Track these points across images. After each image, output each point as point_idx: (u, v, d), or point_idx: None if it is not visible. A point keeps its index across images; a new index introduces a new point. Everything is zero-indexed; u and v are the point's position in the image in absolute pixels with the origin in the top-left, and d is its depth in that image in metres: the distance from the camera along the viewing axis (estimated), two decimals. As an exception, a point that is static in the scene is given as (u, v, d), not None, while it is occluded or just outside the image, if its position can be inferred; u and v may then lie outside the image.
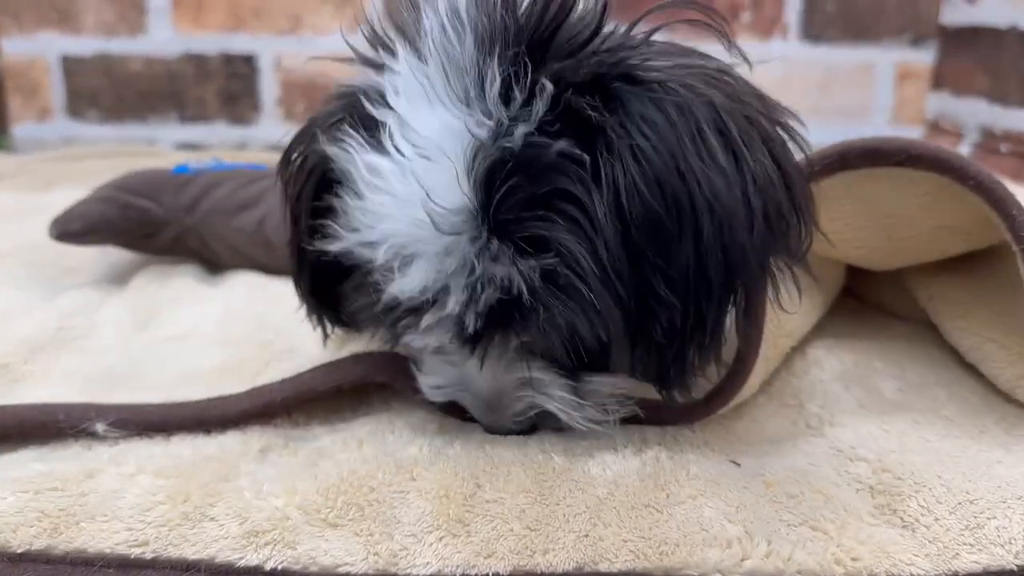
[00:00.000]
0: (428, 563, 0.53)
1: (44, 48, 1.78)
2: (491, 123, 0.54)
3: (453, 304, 0.55)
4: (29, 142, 1.81)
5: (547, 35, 0.56)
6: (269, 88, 1.79)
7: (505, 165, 0.53)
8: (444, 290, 0.55)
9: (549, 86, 0.54)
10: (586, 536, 0.54)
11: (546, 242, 0.54)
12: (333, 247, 0.59)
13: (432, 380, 0.65)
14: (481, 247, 0.54)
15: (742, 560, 0.53)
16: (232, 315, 0.85)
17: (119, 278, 0.99)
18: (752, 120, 0.58)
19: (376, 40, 0.63)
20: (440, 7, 0.58)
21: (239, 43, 1.78)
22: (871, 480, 0.61)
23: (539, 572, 0.53)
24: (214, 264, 1.01)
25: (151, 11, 1.76)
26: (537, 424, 0.65)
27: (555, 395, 0.62)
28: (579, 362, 0.61)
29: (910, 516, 0.57)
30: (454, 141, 0.54)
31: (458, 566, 0.52)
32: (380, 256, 0.56)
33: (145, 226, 0.97)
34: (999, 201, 0.67)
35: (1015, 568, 0.54)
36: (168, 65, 1.78)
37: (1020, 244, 0.66)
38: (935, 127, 1.85)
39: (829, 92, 1.83)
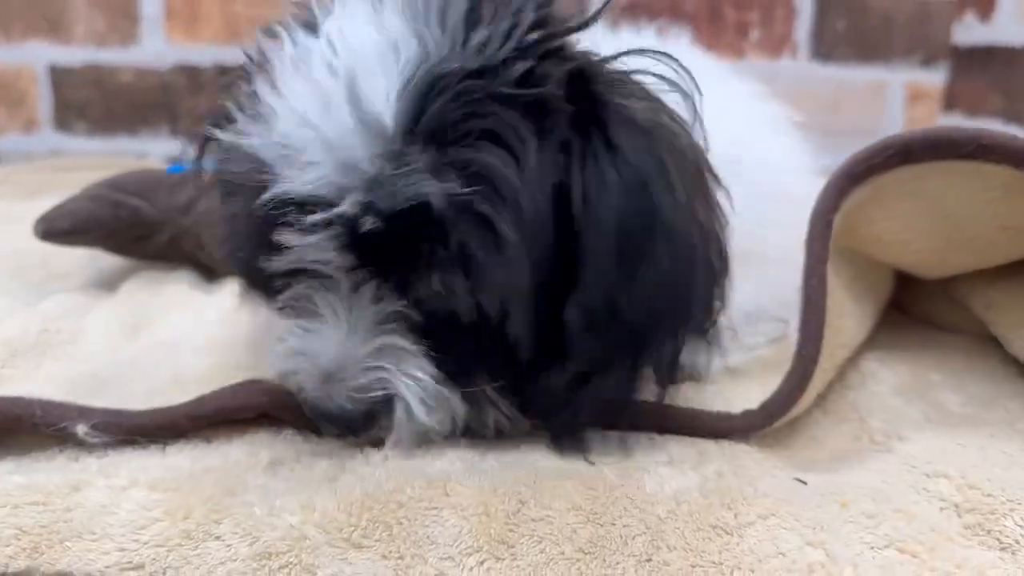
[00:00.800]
0: (470, 590, 0.46)
1: (32, 57, 1.71)
2: (445, 40, 0.52)
3: (350, 204, 0.50)
4: (14, 155, 1.74)
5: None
6: (265, 101, 1.73)
7: (452, 83, 0.51)
8: (343, 190, 0.50)
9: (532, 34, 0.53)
10: (648, 561, 0.48)
11: (473, 172, 0.50)
12: (229, 139, 0.55)
13: (280, 348, 0.58)
14: (398, 154, 0.50)
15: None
16: (226, 321, 0.78)
17: (109, 283, 0.92)
18: (699, 172, 0.59)
19: None
20: None
21: (234, 54, 1.71)
22: (956, 498, 0.54)
23: (597, 602, 0.46)
24: (209, 270, 0.94)
25: (144, 21, 1.70)
26: (373, 415, 0.56)
27: (413, 376, 0.55)
28: (461, 360, 0.56)
29: (1008, 537, 0.51)
30: (393, 50, 0.52)
31: (503, 593, 0.46)
32: (282, 149, 0.52)
33: (137, 227, 0.90)
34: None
35: None
36: (160, 76, 1.72)
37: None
38: (948, 148, 1.81)
39: (839, 112, 1.78)
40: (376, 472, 0.54)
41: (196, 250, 0.92)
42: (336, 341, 0.55)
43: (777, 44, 1.77)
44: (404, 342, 0.55)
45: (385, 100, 0.50)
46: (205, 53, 1.71)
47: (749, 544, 0.49)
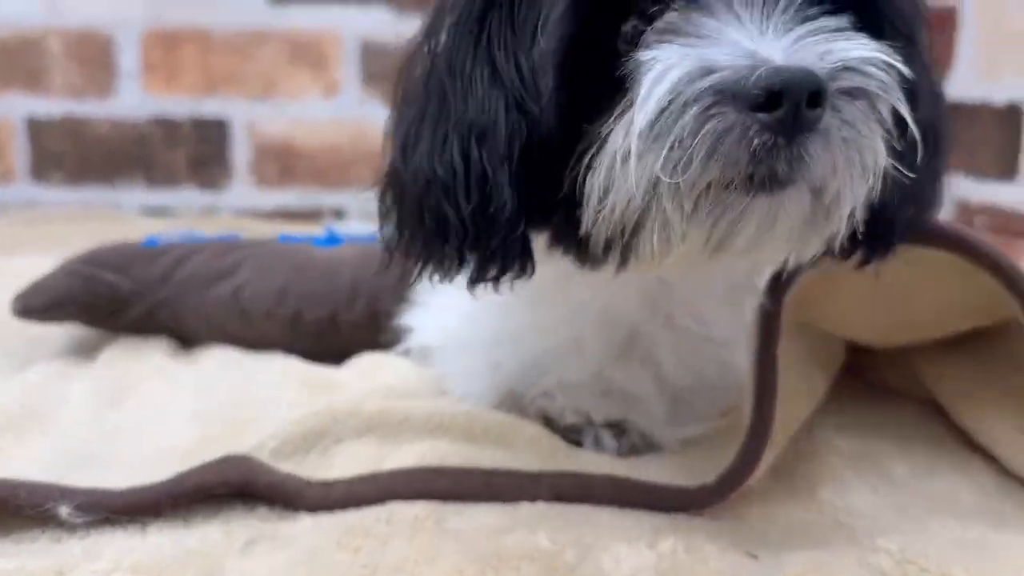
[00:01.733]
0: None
1: (9, 109, 1.73)
2: None
3: None
4: (-10, 205, 1.75)
5: None
6: (241, 153, 1.76)
7: None
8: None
9: None
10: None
11: None
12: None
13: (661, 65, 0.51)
14: None
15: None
16: (206, 392, 0.81)
17: (88, 350, 0.94)
18: None
19: None
20: None
21: (211, 107, 1.75)
22: (895, 572, 0.58)
23: None
24: (185, 340, 0.96)
25: (121, 74, 1.73)
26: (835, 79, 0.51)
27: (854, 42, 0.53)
28: None
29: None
30: None
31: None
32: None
33: (113, 302, 0.92)
34: (1013, 281, 0.66)
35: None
36: (137, 128, 1.74)
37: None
38: (907, 200, 1.86)
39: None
40: (344, 560, 0.56)
41: (171, 321, 0.95)
42: (750, 33, 0.51)
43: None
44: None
45: None
46: (181, 105, 1.74)
47: (701, 623, 0.52)
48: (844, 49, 0.51)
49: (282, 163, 1.77)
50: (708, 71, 0.49)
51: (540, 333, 0.74)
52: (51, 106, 1.74)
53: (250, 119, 1.75)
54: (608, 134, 0.53)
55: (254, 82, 1.74)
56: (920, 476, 0.72)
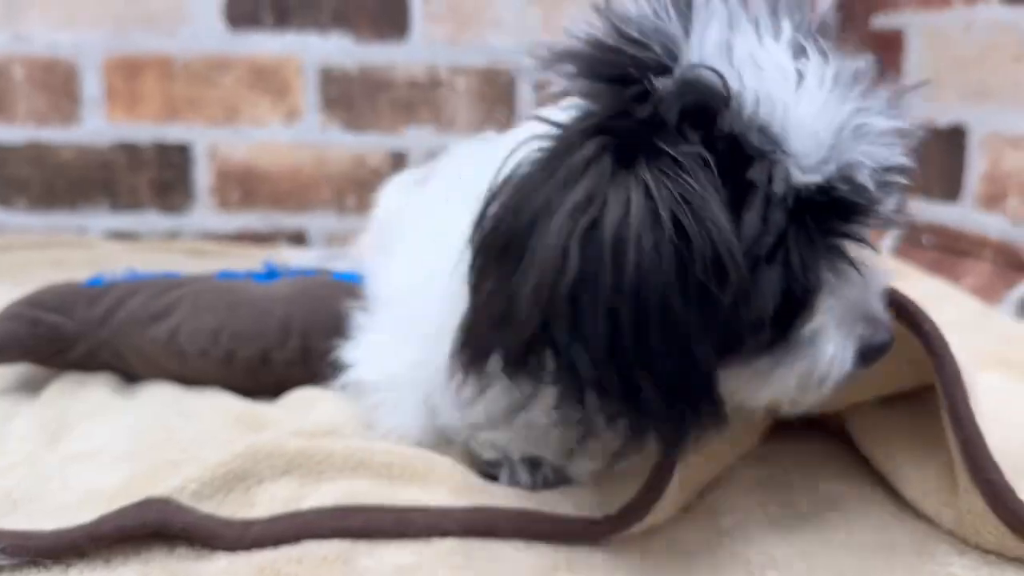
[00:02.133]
0: None
1: (-27, 136, 1.75)
2: None
3: None
4: (-45, 230, 1.77)
5: None
6: (203, 177, 1.79)
7: None
8: None
9: None
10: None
11: None
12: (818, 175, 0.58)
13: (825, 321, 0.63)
14: None
15: None
16: (140, 431, 0.83)
17: (32, 385, 0.97)
18: None
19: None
20: None
21: (174, 133, 1.77)
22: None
23: None
24: (129, 376, 0.99)
25: (85, 101, 1.75)
26: None
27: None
28: None
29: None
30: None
31: None
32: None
33: (56, 342, 0.95)
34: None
35: None
36: (101, 154, 1.77)
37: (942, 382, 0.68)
38: (860, 219, 1.90)
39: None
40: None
41: (114, 360, 0.97)
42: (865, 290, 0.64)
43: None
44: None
45: None
46: (144, 131, 1.77)
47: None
48: None
49: (244, 187, 1.80)
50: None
51: None
52: (15, 133, 1.76)
53: (212, 144, 1.78)
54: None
55: (215, 108, 1.77)
56: (820, 508, 0.75)
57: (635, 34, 0.61)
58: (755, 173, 0.57)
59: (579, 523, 0.69)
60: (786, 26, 0.61)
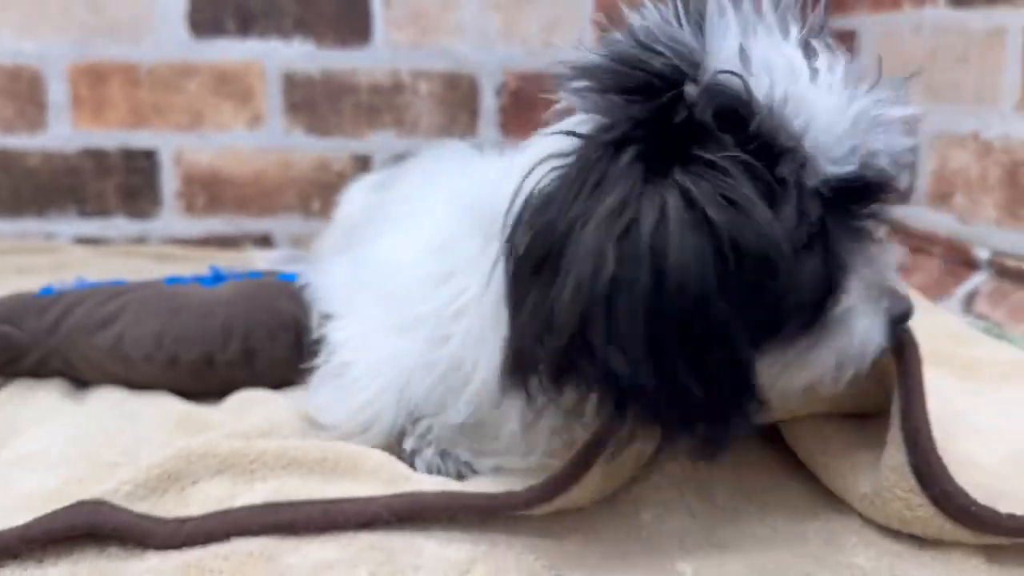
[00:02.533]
0: None
1: (-60, 144, 1.77)
2: None
3: None
4: (-77, 237, 1.79)
5: None
6: (169, 183, 1.81)
7: None
8: None
9: None
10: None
11: None
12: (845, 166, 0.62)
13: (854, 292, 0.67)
14: None
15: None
16: (84, 435, 0.85)
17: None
18: None
19: None
20: None
21: (140, 139, 1.79)
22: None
23: None
24: (79, 382, 1.01)
25: (51, 108, 1.77)
26: None
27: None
28: None
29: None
30: None
31: None
32: None
33: (7, 352, 0.98)
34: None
35: None
36: (68, 161, 1.79)
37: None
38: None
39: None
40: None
41: (64, 367, 1.00)
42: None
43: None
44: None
45: None
46: (111, 137, 1.79)
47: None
48: None
49: (209, 192, 1.82)
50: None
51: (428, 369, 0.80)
52: (-18, 140, 1.78)
53: (178, 150, 1.80)
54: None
55: (181, 114, 1.79)
56: (739, 501, 0.77)
57: (655, 45, 0.64)
58: (785, 169, 0.60)
59: (503, 497, 0.71)
60: (793, 27, 0.66)
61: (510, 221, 0.64)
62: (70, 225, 1.81)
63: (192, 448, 0.76)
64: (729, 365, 0.60)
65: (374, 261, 0.88)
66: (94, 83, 1.77)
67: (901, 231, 1.64)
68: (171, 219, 1.82)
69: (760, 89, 0.61)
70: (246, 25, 1.77)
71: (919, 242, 1.59)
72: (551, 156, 0.64)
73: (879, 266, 0.68)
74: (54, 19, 1.74)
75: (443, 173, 0.96)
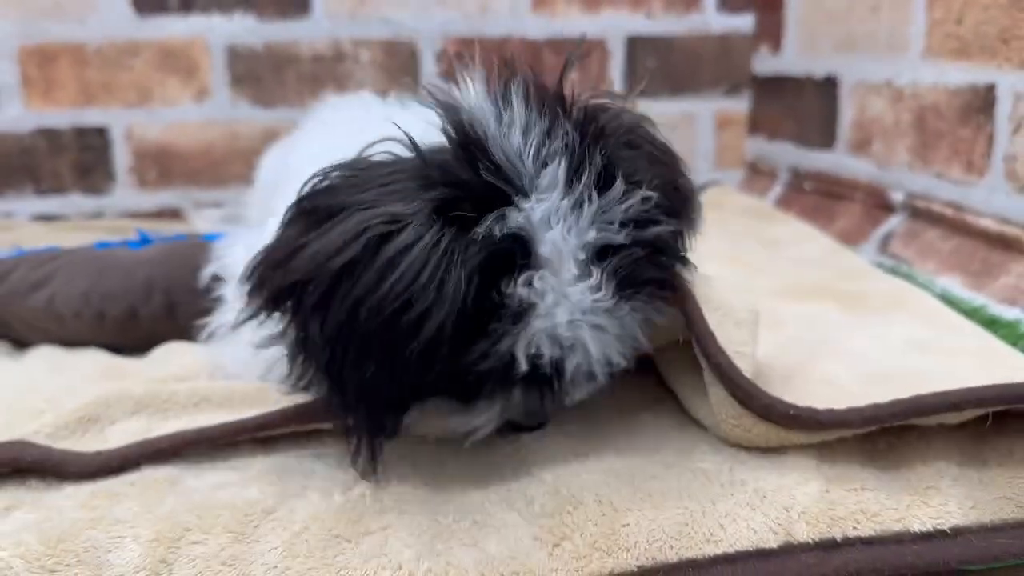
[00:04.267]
0: (131, 601, 0.61)
1: None
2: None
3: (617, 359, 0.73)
4: None
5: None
6: (122, 159, 1.86)
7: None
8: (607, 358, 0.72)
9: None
10: (275, 567, 0.63)
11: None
12: (504, 346, 0.66)
13: (485, 415, 0.75)
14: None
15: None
16: (15, 386, 0.92)
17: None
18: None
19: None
20: None
21: (91, 117, 1.85)
22: (544, 499, 0.70)
23: (226, 602, 0.61)
24: (20, 344, 1.08)
25: (2, 90, 1.82)
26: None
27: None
28: None
29: (560, 532, 0.67)
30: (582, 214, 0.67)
31: (156, 601, 0.61)
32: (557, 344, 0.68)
33: None
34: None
35: (635, 569, 0.64)
36: (21, 140, 1.84)
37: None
38: (754, 169, 2.00)
39: (656, 140, 1.96)
40: (80, 517, 0.68)
41: (4, 329, 1.07)
42: None
43: (594, 83, 1.95)
44: None
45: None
46: (63, 117, 1.84)
47: (362, 549, 0.65)
48: None
49: (161, 165, 1.87)
50: None
51: None
52: (-64, 123, 1.83)
53: (128, 126, 1.85)
54: None
55: (129, 91, 1.84)
56: (614, 427, 0.82)
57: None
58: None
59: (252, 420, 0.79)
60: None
61: (322, 171, 0.72)
62: (27, 203, 1.87)
63: (110, 392, 0.83)
64: (385, 390, 0.68)
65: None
66: (43, 63, 1.82)
67: (825, 179, 1.71)
68: (125, 194, 1.88)
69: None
70: (188, 1, 1.82)
71: (842, 189, 1.66)
72: (390, 142, 0.71)
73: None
74: (-1, 2, 1.79)
75: (340, 125, 1.02)
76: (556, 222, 0.66)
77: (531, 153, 0.67)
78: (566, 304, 0.66)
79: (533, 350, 0.67)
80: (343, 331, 0.65)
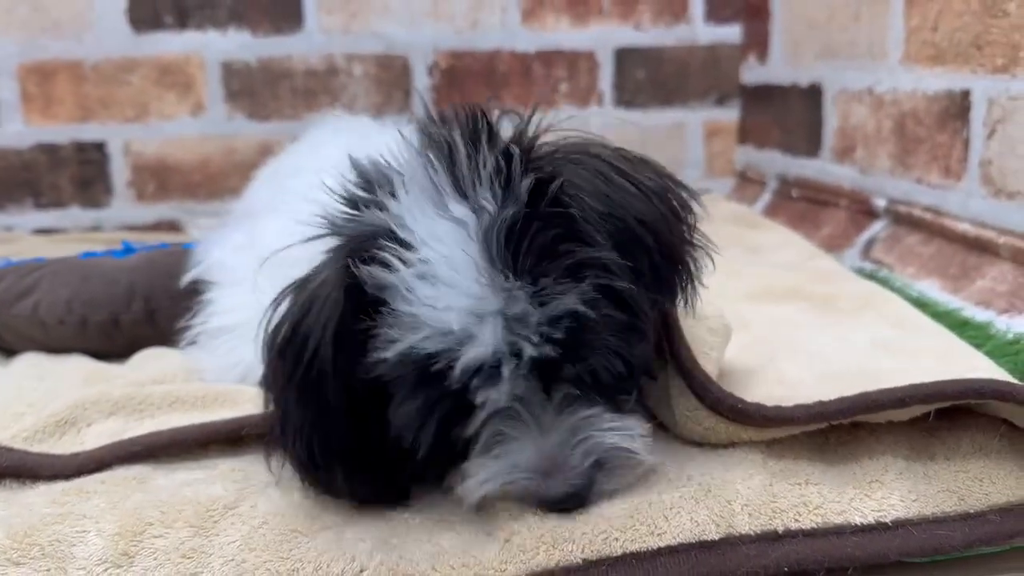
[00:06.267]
0: (92, 592, 0.63)
1: (-100, 145, 1.86)
2: (491, 205, 0.66)
3: (529, 349, 0.64)
4: None
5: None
6: (120, 172, 1.90)
7: (514, 229, 0.65)
8: (512, 345, 0.64)
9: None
10: (231, 560, 0.65)
11: (580, 269, 0.66)
12: (392, 351, 0.64)
13: (479, 476, 0.69)
14: (533, 293, 0.64)
15: (360, 571, 0.65)
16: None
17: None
18: (631, 160, 0.77)
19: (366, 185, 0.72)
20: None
21: (89, 132, 1.89)
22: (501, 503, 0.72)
23: (183, 595, 0.64)
24: (8, 352, 1.11)
25: (2, 106, 1.86)
26: (593, 480, 0.69)
27: (611, 426, 0.69)
28: (606, 390, 0.70)
29: (511, 528, 0.69)
30: (470, 225, 0.65)
31: (117, 593, 0.63)
32: (450, 338, 0.63)
33: None
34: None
35: (580, 562, 0.66)
36: (22, 156, 1.88)
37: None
38: (743, 177, 2.02)
39: (645, 151, 1.98)
40: (45, 513, 0.71)
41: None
42: (539, 444, 0.67)
43: (584, 94, 1.97)
44: (586, 411, 0.68)
45: (494, 262, 0.64)
46: (62, 132, 1.88)
47: (318, 543, 0.67)
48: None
49: (158, 179, 1.91)
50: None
51: None
52: (-61, 140, 1.87)
53: (126, 141, 1.89)
54: None
55: (127, 106, 1.88)
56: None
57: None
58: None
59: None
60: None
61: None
62: (28, 217, 1.91)
63: (87, 396, 0.86)
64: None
65: (259, 233, 0.97)
66: (42, 81, 1.86)
67: (812, 186, 1.73)
68: (123, 207, 1.92)
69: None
70: (183, 18, 1.86)
71: (828, 195, 1.68)
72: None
73: (553, 439, 0.67)
74: (-1, 21, 1.83)
75: (325, 147, 1.05)
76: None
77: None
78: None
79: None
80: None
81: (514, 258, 0.65)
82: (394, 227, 0.67)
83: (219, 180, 1.91)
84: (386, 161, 0.72)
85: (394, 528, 0.69)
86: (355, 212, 0.70)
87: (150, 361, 1.01)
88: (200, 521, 0.69)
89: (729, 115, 2.02)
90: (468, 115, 0.71)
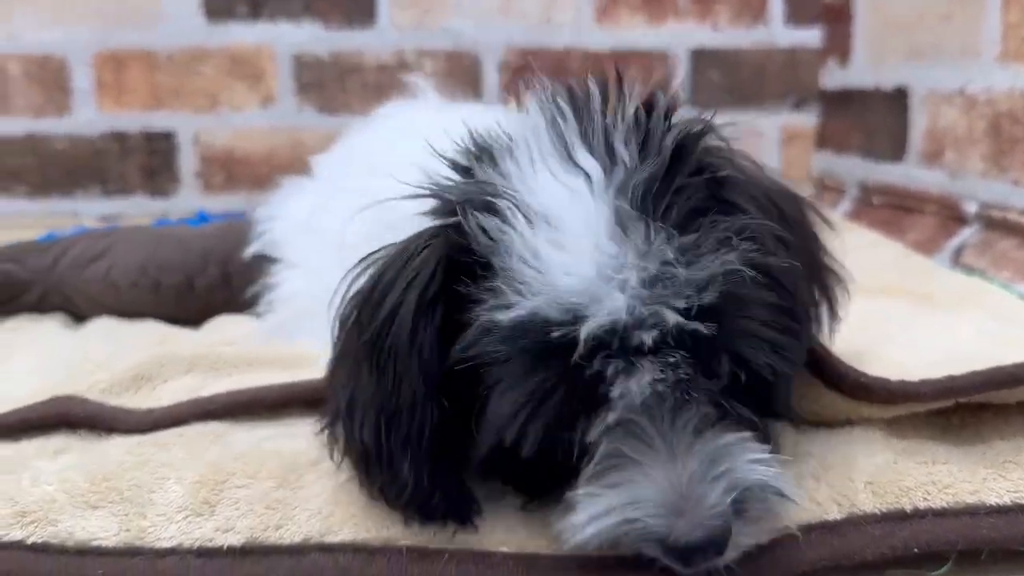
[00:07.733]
0: (172, 537, 0.60)
1: (-26, 129, 1.88)
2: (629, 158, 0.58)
3: (672, 317, 0.52)
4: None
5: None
6: (188, 162, 1.90)
7: (652, 186, 0.57)
8: (654, 313, 0.53)
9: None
10: (318, 512, 0.61)
11: (729, 241, 0.55)
12: (506, 317, 0.54)
13: (589, 510, 0.54)
14: (678, 248, 0.54)
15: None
16: (72, 353, 0.93)
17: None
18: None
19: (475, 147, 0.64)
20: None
21: (159, 121, 1.88)
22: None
23: (270, 543, 0.60)
24: (78, 317, 1.09)
25: (76, 93, 1.87)
26: (730, 526, 0.53)
27: (758, 459, 0.55)
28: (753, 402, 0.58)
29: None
30: (604, 179, 0.57)
31: (197, 539, 0.60)
32: (578, 302, 0.53)
33: (11, 288, 1.06)
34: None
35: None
36: (92, 143, 1.88)
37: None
38: (821, 184, 1.96)
39: (719, 154, 1.93)
40: (126, 458, 0.68)
41: (64, 303, 1.09)
42: (667, 473, 0.53)
43: (657, 95, 1.93)
44: (729, 436, 0.55)
45: (627, 221, 0.54)
46: (132, 120, 1.88)
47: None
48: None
49: (226, 170, 1.90)
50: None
51: None
52: (13, 125, 1.88)
53: (195, 130, 1.89)
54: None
55: (197, 96, 1.88)
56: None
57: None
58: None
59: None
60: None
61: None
62: (94, 204, 1.91)
63: (162, 353, 0.83)
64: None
65: (333, 214, 0.92)
66: (116, 69, 1.87)
67: (895, 192, 1.66)
68: (190, 196, 1.91)
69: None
70: (257, 9, 1.85)
71: (913, 201, 1.61)
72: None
73: (689, 466, 0.53)
74: (75, 10, 1.84)
75: (402, 130, 1.01)
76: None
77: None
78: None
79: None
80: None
81: (653, 217, 0.55)
82: (510, 181, 0.59)
83: (286, 172, 1.89)
84: (490, 129, 0.64)
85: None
86: (462, 175, 0.63)
87: (226, 327, 0.99)
88: (284, 472, 0.65)
89: (807, 120, 1.96)
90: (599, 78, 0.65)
